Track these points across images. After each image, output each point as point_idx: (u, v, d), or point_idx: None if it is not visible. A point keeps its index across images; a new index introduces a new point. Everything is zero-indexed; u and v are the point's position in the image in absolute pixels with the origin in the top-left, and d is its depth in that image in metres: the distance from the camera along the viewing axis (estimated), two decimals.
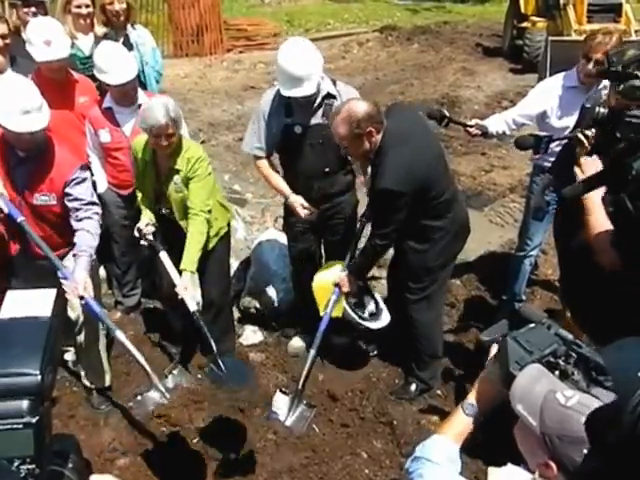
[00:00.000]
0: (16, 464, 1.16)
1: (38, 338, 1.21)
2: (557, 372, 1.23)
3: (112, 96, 3.57)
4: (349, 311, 3.30)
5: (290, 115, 3.26)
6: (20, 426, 1.14)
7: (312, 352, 3.32)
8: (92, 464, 2.89)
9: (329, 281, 3.32)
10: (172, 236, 3.27)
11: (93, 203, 3.04)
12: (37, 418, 1.15)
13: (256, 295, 4.10)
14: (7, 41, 3.60)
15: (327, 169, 3.36)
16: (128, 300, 4.13)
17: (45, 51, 3.39)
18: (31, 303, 1.30)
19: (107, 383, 3.46)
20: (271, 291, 4.04)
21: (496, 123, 3.53)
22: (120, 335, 2.91)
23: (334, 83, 3.33)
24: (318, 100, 3.23)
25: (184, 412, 3.35)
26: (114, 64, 3.43)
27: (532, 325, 1.34)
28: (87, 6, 3.98)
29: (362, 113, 2.84)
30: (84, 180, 3.01)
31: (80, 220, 2.99)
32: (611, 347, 1.14)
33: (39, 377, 1.15)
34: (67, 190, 2.95)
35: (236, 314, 4.07)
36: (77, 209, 2.98)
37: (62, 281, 2.86)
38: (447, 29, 13.58)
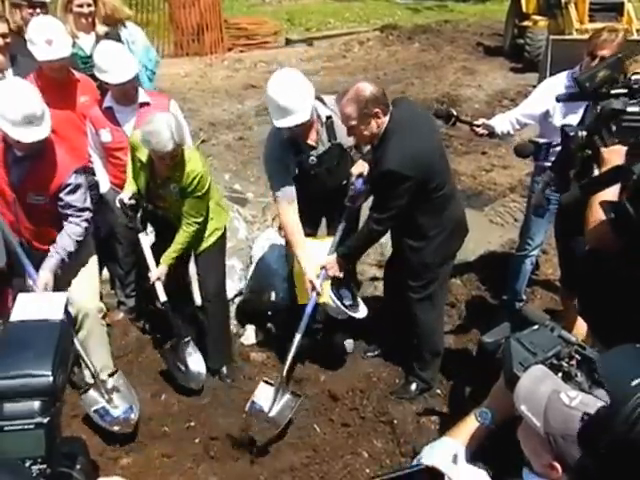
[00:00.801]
0: (27, 464, 1.16)
1: (50, 340, 1.21)
2: (560, 374, 1.24)
3: (112, 95, 3.57)
4: (333, 298, 3.26)
5: (301, 151, 3.25)
6: (32, 426, 1.14)
7: (297, 336, 3.25)
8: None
9: (317, 264, 3.27)
10: (164, 232, 3.36)
11: (85, 209, 3.10)
12: (48, 419, 1.15)
13: (256, 294, 4.10)
14: (7, 40, 3.59)
15: (344, 182, 3.39)
16: (131, 300, 4.13)
17: (46, 50, 3.38)
18: (42, 306, 1.31)
19: None
20: (271, 290, 4.04)
21: (501, 123, 3.52)
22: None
23: (322, 102, 3.30)
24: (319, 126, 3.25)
25: (184, 412, 3.36)
26: (114, 63, 3.42)
27: (535, 327, 1.34)
28: (88, 5, 3.97)
29: (369, 94, 2.87)
30: (78, 187, 3.05)
31: (69, 223, 3.07)
32: (607, 354, 1.14)
33: (51, 378, 1.16)
34: (60, 196, 3.00)
35: (236, 314, 4.07)
36: (69, 215, 3.06)
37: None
38: (448, 28, 13.57)
